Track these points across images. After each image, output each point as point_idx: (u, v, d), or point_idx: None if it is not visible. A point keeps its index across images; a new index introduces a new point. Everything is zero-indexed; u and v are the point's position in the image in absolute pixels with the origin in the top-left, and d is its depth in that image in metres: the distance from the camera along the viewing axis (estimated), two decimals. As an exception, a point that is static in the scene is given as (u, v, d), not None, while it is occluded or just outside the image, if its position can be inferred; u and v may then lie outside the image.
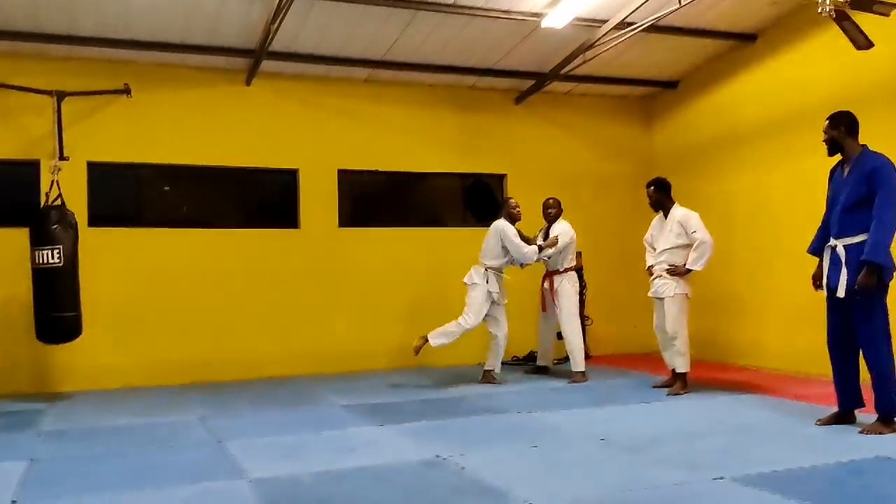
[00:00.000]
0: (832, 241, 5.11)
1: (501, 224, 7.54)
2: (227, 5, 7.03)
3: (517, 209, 7.66)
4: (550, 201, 7.89)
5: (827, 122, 5.18)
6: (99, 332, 7.50)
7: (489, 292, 7.41)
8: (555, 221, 7.81)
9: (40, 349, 7.21)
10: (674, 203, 6.96)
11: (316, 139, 8.65)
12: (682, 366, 6.73)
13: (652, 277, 6.99)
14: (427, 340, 7.34)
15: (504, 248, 7.46)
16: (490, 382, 7.48)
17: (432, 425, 5.60)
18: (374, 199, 9.43)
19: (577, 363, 7.53)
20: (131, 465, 4.65)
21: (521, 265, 7.77)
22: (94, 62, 7.81)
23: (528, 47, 8.31)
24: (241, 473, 4.33)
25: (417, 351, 7.35)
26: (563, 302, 7.61)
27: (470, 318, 7.37)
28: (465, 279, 7.56)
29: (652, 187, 7.03)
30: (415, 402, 6.64)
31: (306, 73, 8.55)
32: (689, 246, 6.74)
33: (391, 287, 8.83)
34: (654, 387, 7.04)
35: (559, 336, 7.84)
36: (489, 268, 7.48)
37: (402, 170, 9.08)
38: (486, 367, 7.58)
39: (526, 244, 7.48)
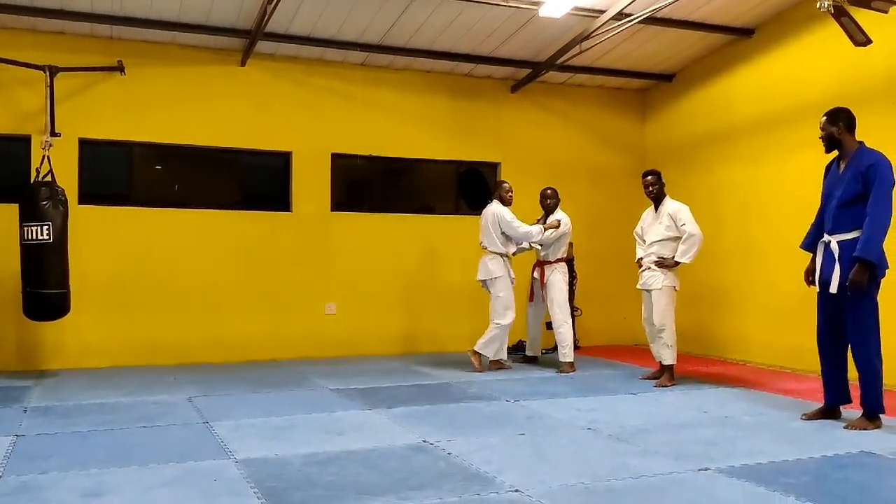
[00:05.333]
0: (826, 237, 5.12)
1: (496, 208, 7.50)
2: (223, -16, 6.98)
3: (510, 193, 7.65)
4: (549, 191, 7.87)
5: (825, 118, 5.16)
6: (87, 311, 7.48)
7: (512, 280, 7.45)
8: (552, 212, 7.80)
9: (28, 326, 7.19)
10: (666, 196, 6.97)
11: (310, 122, 8.59)
12: (668, 358, 6.76)
13: (641, 269, 7.01)
14: (479, 354, 7.40)
15: (504, 233, 7.43)
16: (501, 368, 7.54)
17: (421, 410, 5.61)
18: (367, 184, 9.38)
19: (566, 354, 7.53)
20: (117, 442, 4.64)
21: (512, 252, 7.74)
22: (87, 38, 7.74)
23: (524, 36, 8.28)
24: (228, 454, 4.32)
25: (480, 365, 7.40)
26: (552, 293, 7.61)
27: (508, 313, 7.37)
28: (482, 276, 7.49)
29: (655, 177, 6.99)
30: (403, 387, 6.65)
31: (301, 54, 8.49)
32: (678, 239, 6.75)
33: (382, 273, 8.81)
34: (642, 378, 7.07)
35: (548, 326, 7.85)
36: (496, 253, 7.44)
37: (396, 155, 9.04)
38: (493, 358, 7.52)
39: (525, 224, 7.46)
